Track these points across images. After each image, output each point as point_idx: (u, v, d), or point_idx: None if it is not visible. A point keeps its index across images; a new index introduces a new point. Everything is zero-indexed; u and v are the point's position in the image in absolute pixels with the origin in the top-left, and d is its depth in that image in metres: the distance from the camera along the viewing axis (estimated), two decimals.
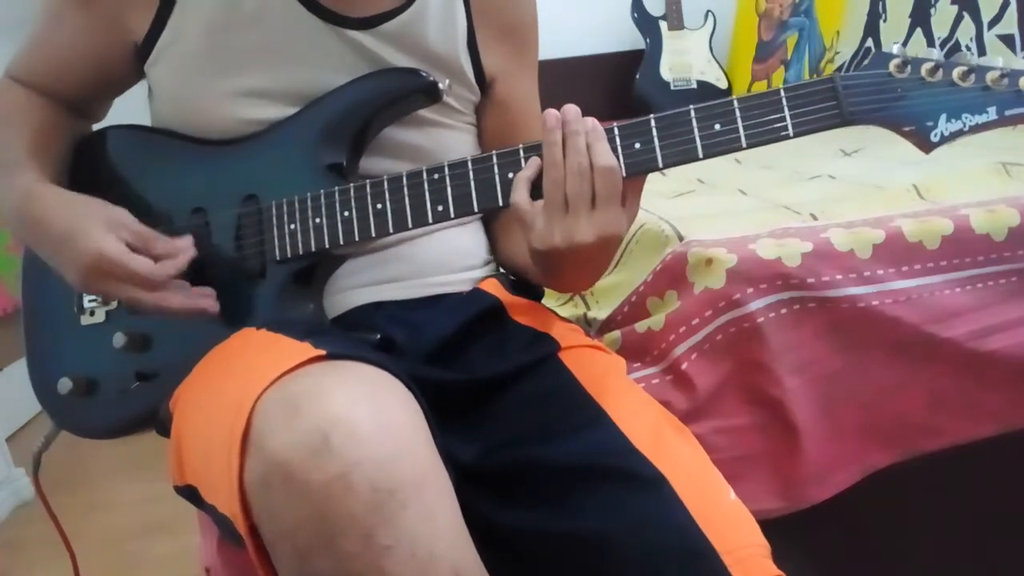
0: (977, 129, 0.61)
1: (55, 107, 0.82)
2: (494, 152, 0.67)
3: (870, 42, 1.80)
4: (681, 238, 0.93)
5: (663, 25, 2.37)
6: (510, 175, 0.66)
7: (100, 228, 0.69)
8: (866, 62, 0.63)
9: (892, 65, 0.62)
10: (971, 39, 1.51)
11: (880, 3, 1.78)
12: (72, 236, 0.69)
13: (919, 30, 1.65)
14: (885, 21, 1.77)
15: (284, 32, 0.74)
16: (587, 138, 0.63)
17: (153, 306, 0.70)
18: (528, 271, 0.81)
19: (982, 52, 1.48)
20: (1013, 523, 1.05)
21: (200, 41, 0.74)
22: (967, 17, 1.53)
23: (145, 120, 0.83)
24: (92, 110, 0.87)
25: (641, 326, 0.91)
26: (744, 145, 0.62)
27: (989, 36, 1.48)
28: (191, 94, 0.76)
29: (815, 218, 0.97)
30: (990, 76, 0.60)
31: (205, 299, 0.71)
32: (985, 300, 0.92)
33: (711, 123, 0.63)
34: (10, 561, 1.70)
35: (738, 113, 0.62)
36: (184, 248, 0.72)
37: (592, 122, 0.63)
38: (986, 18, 1.49)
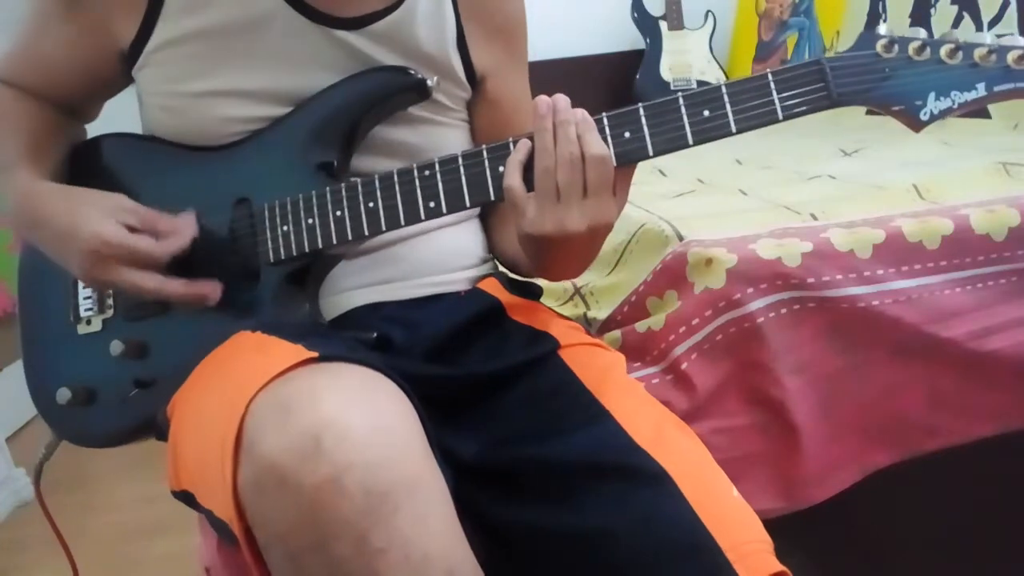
0: (967, 106, 0.61)
1: (47, 108, 0.82)
2: (484, 146, 0.67)
3: None
4: (681, 238, 0.93)
5: (663, 25, 2.37)
6: (500, 168, 0.66)
7: (98, 215, 0.69)
8: (854, 43, 0.63)
9: (879, 45, 0.62)
10: None
11: (880, 3, 1.78)
12: (73, 226, 0.69)
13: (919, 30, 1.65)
14: (885, 21, 1.77)
15: (272, 33, 0.74)
16: (578, 128, 0.63)
17: (154, 290, 0.70)
18: (521, 261, 0.81)
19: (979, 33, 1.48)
20: (1013, 523, 1.05)
21: (188, 44, 0.74)
22: (967, 17, 1.53)
23: (137, 122, 0.83)
24: (83, 111, 0.86)
25: (641, 326, 0.91)
26: (734, 130, 0.63)
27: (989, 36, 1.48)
28: (179, 96, 0.76)
29: (815, 218, 0.96)
30: (978, 53, 0.60)
31: (206, 285, 0.71)
32: (985, 300, 0.92)
33: (700, 109, 0.63)
34: (10, 561, 1.70)
35: (726, 98, 0.63)
36: (185, 225, 0.72)
37: (582, 113, 0.64)
38: (986, 18, 1.49)
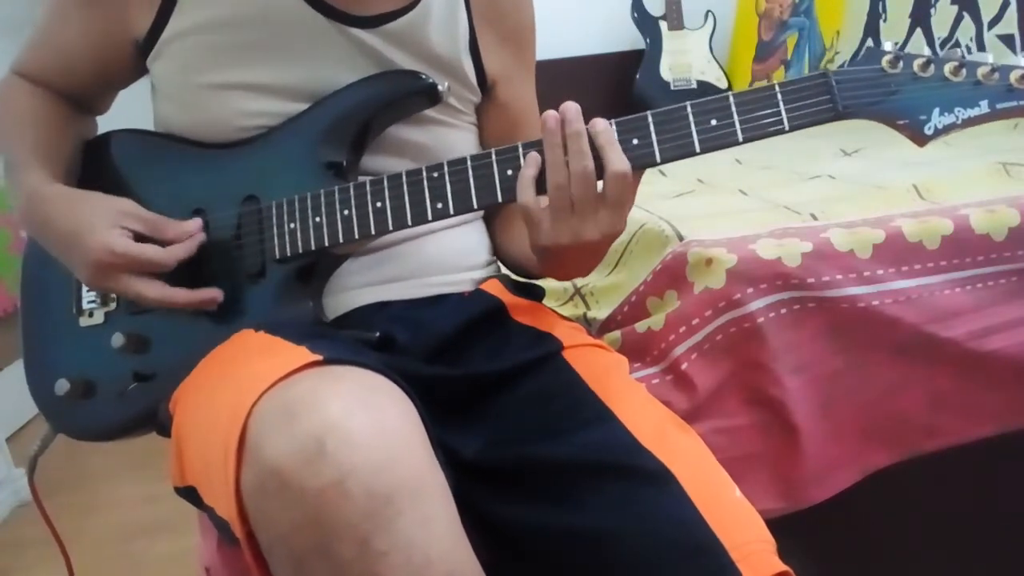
0: (970, 123, 0.62)
1: (61, 102, 0.83)
2: (493, 150, 0.68)
3: (870, 42, 1.80)
4: (681, 238, 0.93)
5: (663, 25, 2.37)
6: (509, 172, 0.67)
7: (105, 223, 0.70)
8: (859, 58, 0.64)
9: (884, 61, 0.63)
10: (971, 39, 1.51)
11: (880, 3, 1.79)
12: (79, 234, 0.70)
13: (919, 30, 1.65)
14: (885, 21, 1.77)
15: (288, 28, 0.74)
16: (598, 140, 0.63)
17: (157, 299, 0.71)
18: (526, 263, 0.82)
19: (982, 52, 1.48)
20: (1013, 523, 1.05)
21: (203, 37, 0.74)
22: (967, 17, 1.53)
23: (149, 117, 0.83)
24: (95, 104, 0.88)
25: (641, 326, 0.91)
26: (740, 140, 0.63)
27: (989, 36, 1.48)
28: (192, 88, 0.76)
29: (815, 218, 0.97)
30: (980, 71, 0.61)
31: (210, 292, 0.73)
32: (985, 300, 0.92)
33: (707, 118, 0.64)
34: (10, 561, 1.70)
35: (734, 108, 0.63)
36: (193, 231, 0.73)
37: (603, 124, 0.64)
38: (986, 18, 1.49)
